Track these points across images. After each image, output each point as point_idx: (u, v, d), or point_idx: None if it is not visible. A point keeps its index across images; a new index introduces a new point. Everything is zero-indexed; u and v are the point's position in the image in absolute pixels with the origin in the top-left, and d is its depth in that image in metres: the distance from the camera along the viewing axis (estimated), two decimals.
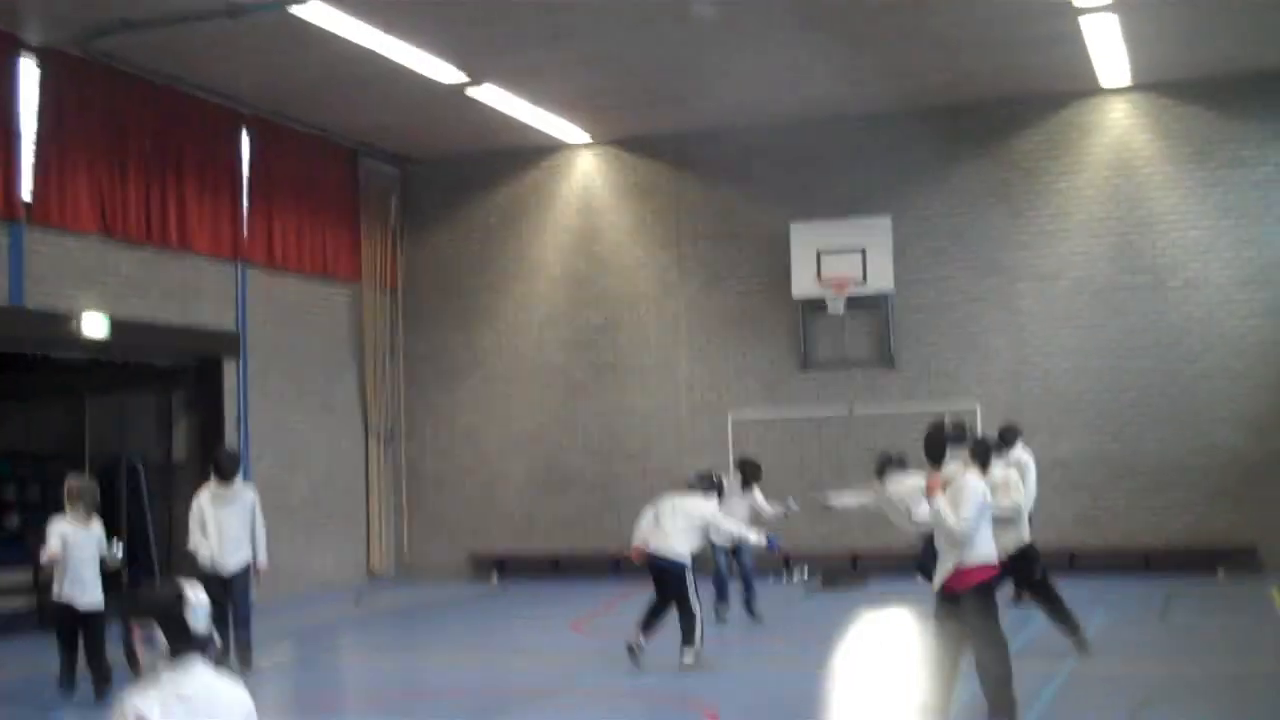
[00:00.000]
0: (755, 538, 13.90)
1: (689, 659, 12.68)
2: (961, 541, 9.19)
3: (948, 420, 13.69)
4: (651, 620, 12.92)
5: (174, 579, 4.86)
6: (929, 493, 9.47)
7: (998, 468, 12.57)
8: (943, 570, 9.34)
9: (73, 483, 12.38)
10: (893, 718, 10.81)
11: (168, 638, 4.62)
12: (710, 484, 13.58)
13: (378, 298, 23.45)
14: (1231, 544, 19.95)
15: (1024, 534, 12.98)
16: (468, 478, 23.28)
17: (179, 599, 4.70)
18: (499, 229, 23.78)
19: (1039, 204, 21.37)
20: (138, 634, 4.64)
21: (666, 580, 12.91)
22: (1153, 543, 20.36)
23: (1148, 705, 10.58)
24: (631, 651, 12.68)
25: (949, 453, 9.78)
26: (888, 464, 14.80)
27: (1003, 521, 11.63)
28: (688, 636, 12.73)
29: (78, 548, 12.07)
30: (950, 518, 9.16)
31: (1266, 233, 20.44)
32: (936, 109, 21.43)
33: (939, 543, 9.47)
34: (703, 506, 13.25)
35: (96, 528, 12.33)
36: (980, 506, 9.27)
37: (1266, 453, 20.09)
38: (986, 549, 9.39)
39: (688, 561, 12.90)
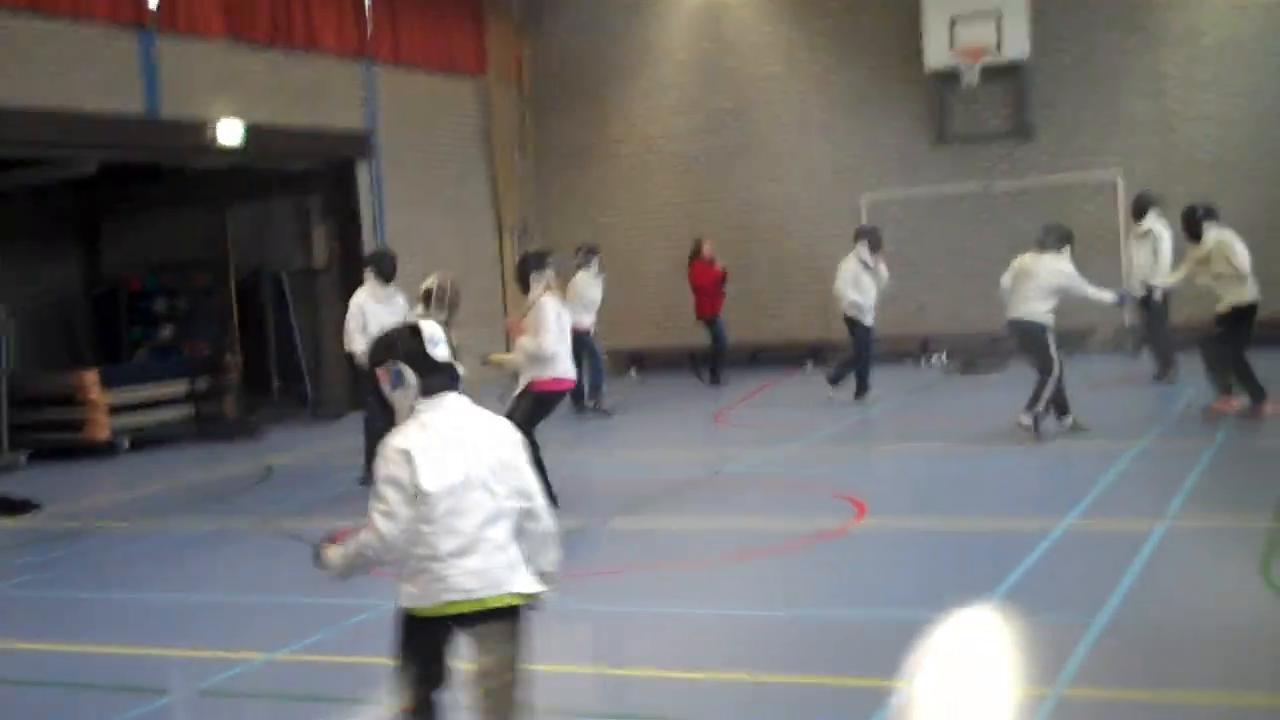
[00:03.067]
0: (1110, 297, 13.53)
1: (1025, 420, 12.85)
2: None
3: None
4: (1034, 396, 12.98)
5: (405, 323, 4.88)
6: None
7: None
8: None
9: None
10: (1034, 508, 10.86)
11: (416, 373, 4.67)
12: (1060, 238, 13.25)
13: (505, 91, 23.37)
14: None
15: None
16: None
17: (415, 333, 4.73)
18: (623, 14, 23.45)
19: None
20: (386, 379, 4.70)
21: (1026, 343, 13.06)
22: None
23: None
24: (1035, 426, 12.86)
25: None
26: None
27: None
28: (1032, 400, 12.86)
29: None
30: None
31: None
32: None
33: None
34: (1053, 266, 13.08)
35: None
36: None
37: None
38: None
39: (1046, 322, 12.94)
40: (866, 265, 16.53)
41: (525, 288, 11.55)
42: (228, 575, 10.21)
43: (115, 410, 17.63)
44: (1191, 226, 13.71)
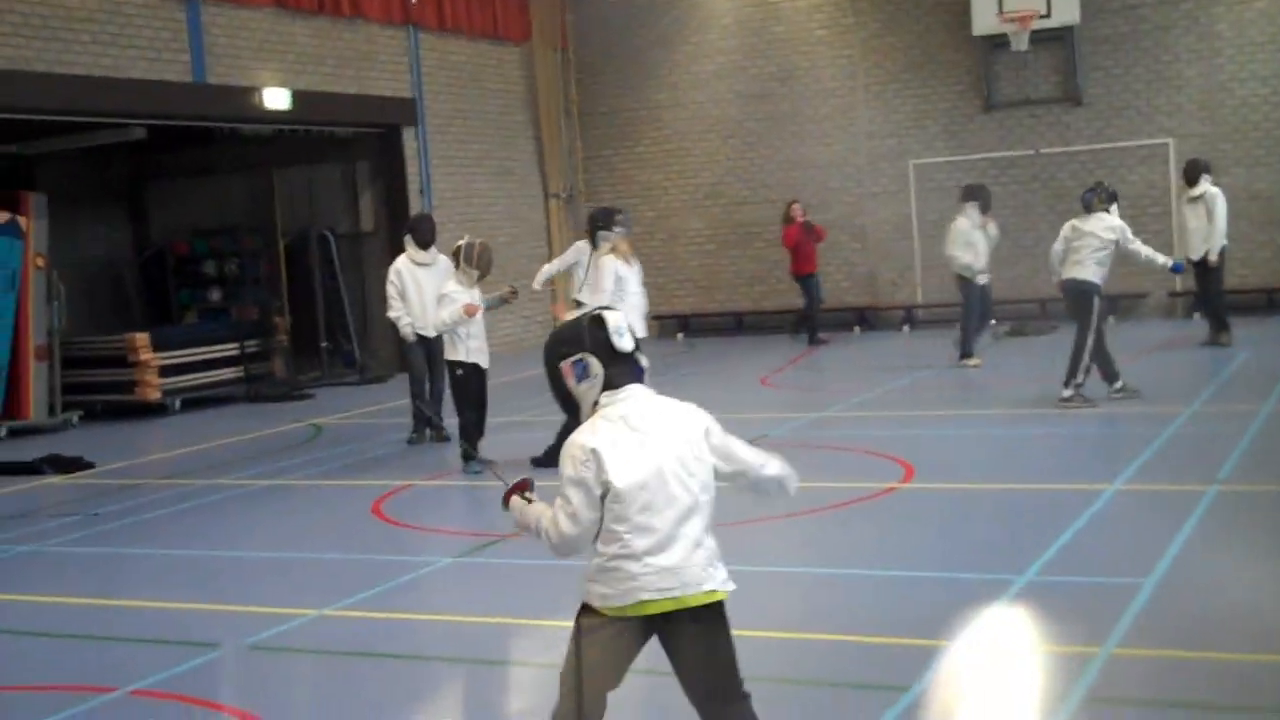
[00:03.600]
0: (1165, 261, 13.32)
1: (1066, 393, 12.80)
2: None
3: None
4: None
5: (588, 313, 4.61)
6: None
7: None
8: None
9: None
10: (1084, 472, 10.80)
11: (601, 365, 4.45)
12: (1108, 196, 13.10)
13: (549, 57, 23.34)
14: None
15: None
16: (648, 237, 23.32)
17: (600, 324, 4.49)
18: None
19: None
20: (570, 372, 4.49)
21: (1075, 305, 12.97)
22: None
23: None
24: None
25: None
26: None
27: None
28: (1070, 373, 12.81)
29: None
30: None
31: None
32: None
33: None
34: (1106, 223, 12.95)
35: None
36: None
37: None
38: None
39: (1097, 283, 12.78)
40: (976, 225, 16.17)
41: (594, 245, 11.86)
42: (277, 531, 10.28)
43: (166, 371, 17.78)
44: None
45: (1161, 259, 13.32)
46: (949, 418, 13.32)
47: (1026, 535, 8.32)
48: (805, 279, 20.29)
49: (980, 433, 12.38)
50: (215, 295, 21.05)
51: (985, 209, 16.34)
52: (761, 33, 22.86)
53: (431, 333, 13.00)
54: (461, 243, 11.94)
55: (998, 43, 20.87)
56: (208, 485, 12.14)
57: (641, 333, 10.82)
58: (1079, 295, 12.93)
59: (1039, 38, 20.55)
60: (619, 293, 11.37)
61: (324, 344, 20.00)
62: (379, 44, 20.06)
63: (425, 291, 13.30)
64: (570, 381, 4.51)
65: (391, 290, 13.51)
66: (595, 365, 4.45)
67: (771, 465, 4.75)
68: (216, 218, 21.17)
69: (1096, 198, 13.14)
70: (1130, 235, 13.05)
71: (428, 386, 13.63)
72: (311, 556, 9.27)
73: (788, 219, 20.29)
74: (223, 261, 20.96)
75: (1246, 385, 13.52)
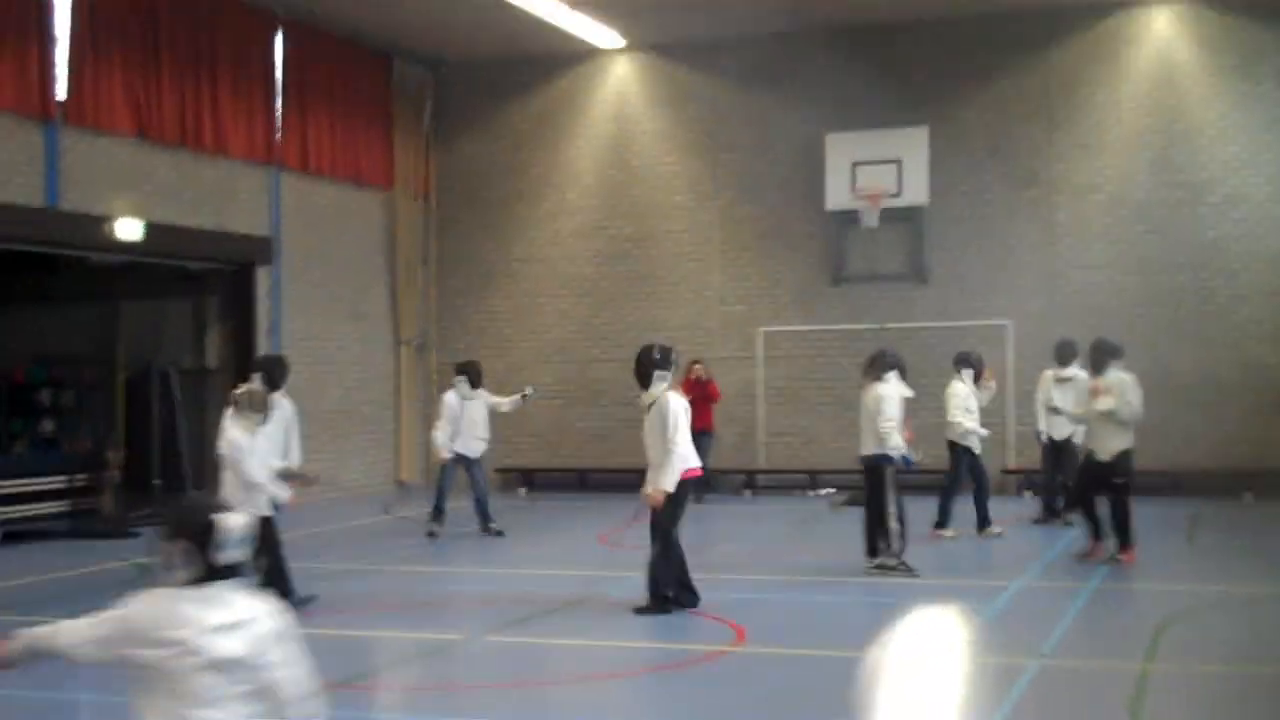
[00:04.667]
0: (894, 445, 13.11)
1: (870, 566, 13.04)
2: None
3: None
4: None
5: (210, 500, 4.69)
6: None
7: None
8: None
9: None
10: (909, 639, 10.87)
11: (199, 564, 4.44)
12: (884, 367, 13.23)
13: (410, 204, 23.47)
14: (1261, 466, 19.91)
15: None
16: (497, 390, 23.22)
17: (212, 529, 4.47)
18: (532, 136, 23.70)
19: (1077, 116, 21.16)
20: (168, 555, 4.48)
21: (869, 480, 13.22)
22: (1181, 463, 20.31)
23: (1173, 622, 10.64)
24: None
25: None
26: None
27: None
28: (871, 548, 13.08)
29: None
30: None
31: None
32: (974, 18, 21.22)
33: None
34: (873, 393, 13.16)
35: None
36: None
37: None
38: None
39: (876, 456, 13.01)
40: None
41: (645, 384, 11.62)
42: (87, 674, 9.89)
43: None
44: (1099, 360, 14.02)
45: (894, 442, 13.03)
46: (788, 583, 13.38)
47: (845, 701, 8.32)
48: (695, 436, 20.22)
49: (815, 599, 12.44)
50: (48, 426, 20.51)
51: (978, 376, 16.44)
52: (622, 194, 23.24)
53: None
54: (240, 390, 11.77)
55: (849, 218, 21.46)
56: (16, 621, 11.67)
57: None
58: (868, 470, 13.21)
59: (889, 216, 21.19)
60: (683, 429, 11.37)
61: (156, 481, 19.53)
62: (240, 181, 19.98)
63: (272, 436, 13.00)
64: (164, 560, 4.49)
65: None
66: (192, 563, 4.45)
67: (314, 704, 4.65)
68: (58, 346, 20.71)
69: (872, 368, 13.35)
70: (887, 409, 12.93)
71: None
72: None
73: (685, 374, 20.33)
74: (59, 391, 20.47)
75: (1074, 563, 13.79)
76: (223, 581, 4.49)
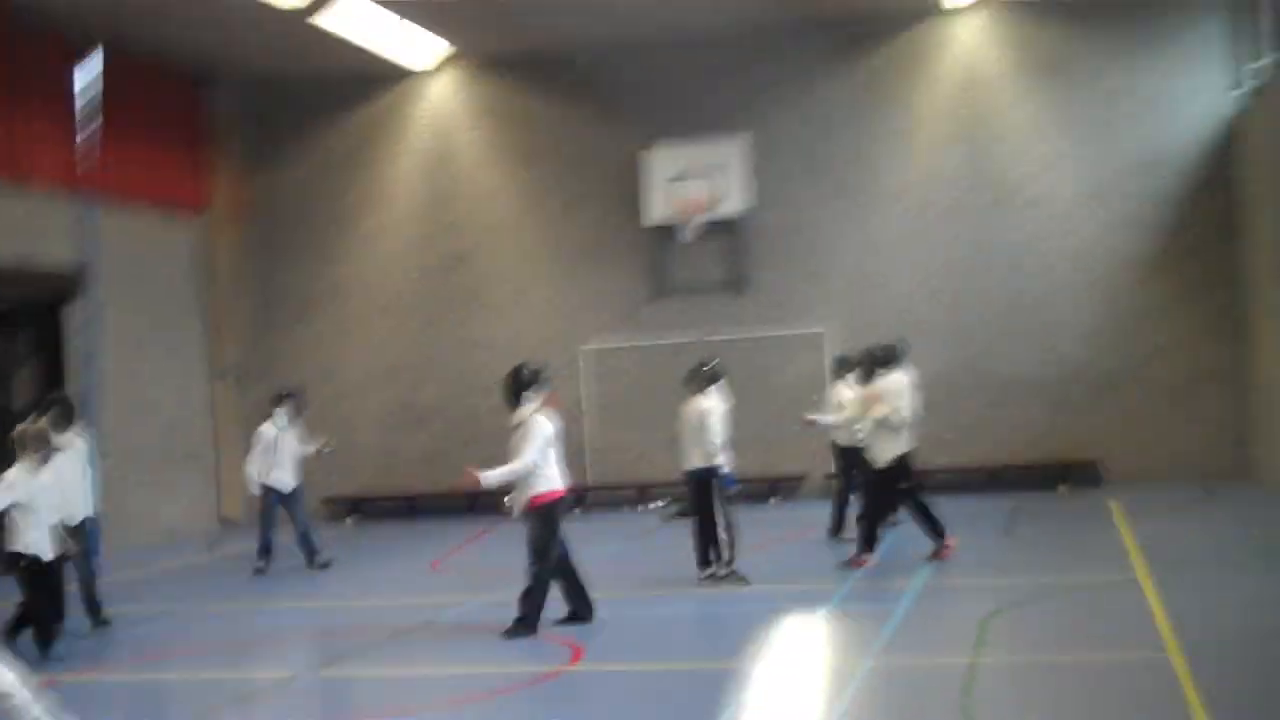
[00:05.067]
0: (719, 462, 13.19)
1: (703, 576, 13.22)
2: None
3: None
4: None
5: None
6: None
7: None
8: None
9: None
10: (739, 650, 10.97)
11: None
12: (704, 379, 13.45)
13: (228, 230, 22.96)
14: (1074, 458, 20.51)
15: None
16: (323, 418, 22.87)
17: None
18: (352, 156, 23.41)
19: (889, 122, 21.61)
20: None
21: (692, 493, 13.41)
22: (998, 459, 20.83)
23: (996, 614, 10.87)
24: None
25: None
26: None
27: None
28: (702, 559, 13.30)
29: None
30: None
31: (1109, 149, 20.88)
32: (789, 26, 21.48)
33: None
34: (693, 407, 13.34)
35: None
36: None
37: (1108, 367, 20.70)
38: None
39: (705, 469, 13.16)
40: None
41: (515, 404, 11.46)
42: None
43: None
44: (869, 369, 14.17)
45: (720, 459, 13.16)
46: (621, 598, 13.35)
47: (685, 714, 8.34)
48: None
49: (653, 613, 12.44)
50: None
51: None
52: (444, 212, 23.05)
53: (75, 519, 12.39)
54: (16, 429, 11.47)
55: (669, 231, 21.59)
56: None
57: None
58: (693, 483, 13.31)
59: (709, 228, 21.37)
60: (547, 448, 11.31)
61: None
62: (44, 212, 19.25)
63: (66, 476, 12.55)
64: None
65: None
66: None
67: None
68: None
69: (692, 382, 13.44)
70: (711, 422, 13.07)
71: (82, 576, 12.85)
72: None
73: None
74: None
75: (903, 558, 14.03)
76: None
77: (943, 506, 14.19)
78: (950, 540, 13.85)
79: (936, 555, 13.76)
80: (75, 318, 19.70)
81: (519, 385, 11.52)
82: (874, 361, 14.10)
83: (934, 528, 13.89)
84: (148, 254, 21.41)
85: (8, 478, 10.99)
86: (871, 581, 13.12)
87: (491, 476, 11.17)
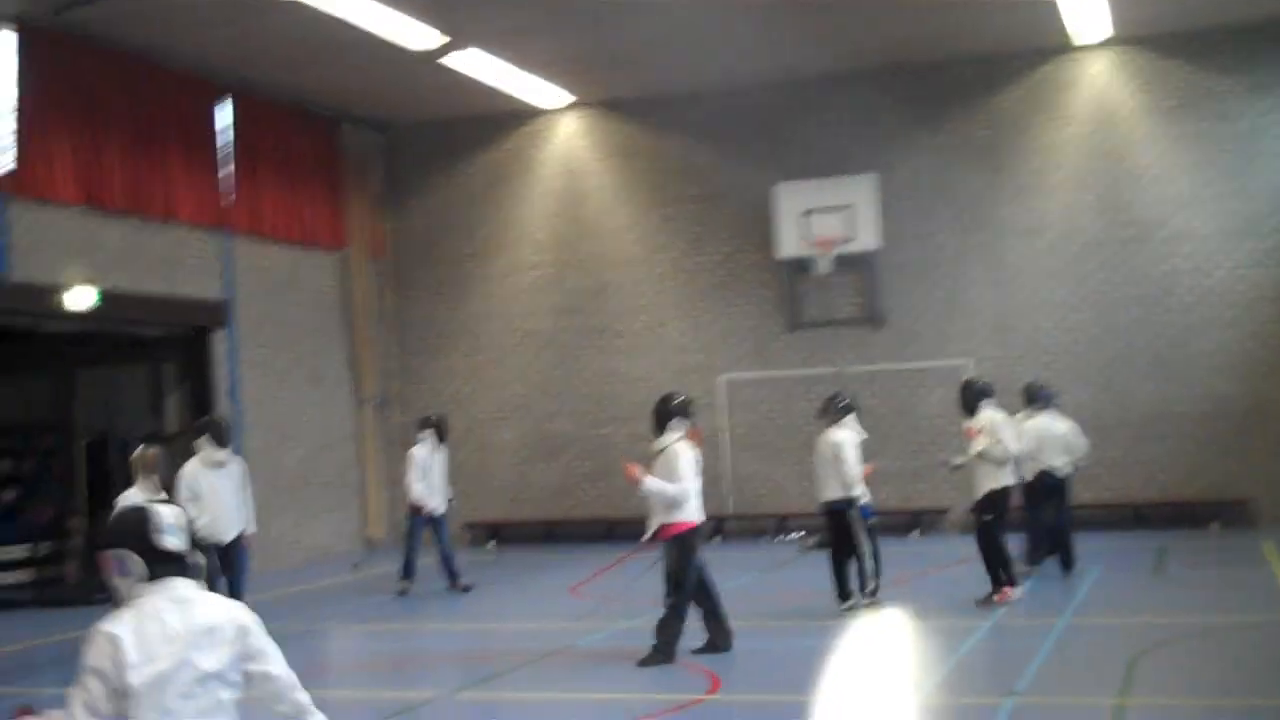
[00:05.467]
0: (858, 493, 13.16)
1: (844, 607, 13.10)
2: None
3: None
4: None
5: (138, 505, 4.64)
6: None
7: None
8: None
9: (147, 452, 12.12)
10: (884, 682, 10.85)
11: (142, 560, 4.43)
12: (839, 410, 13.40)
13: (364, 266, 23.34)
14: (1225, 497, 20.00)
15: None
16: (460, 446, 23.09)
17: (144, 518, 4.48)
18: (483, 195, 23.66)
19: (1022, 160, 21.32)
20: (110, 564, 4.46)
21: (831, 525, 13.38)
22: (1146, 496, 20.39)
23: (1145, 654, 10.60)
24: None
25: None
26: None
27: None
28: (843, 590, 13.22)
29: None
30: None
31: (1250, 184, 20.42)
32: (916, 67, 21.41)
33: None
34: (828, 439, 13.32)
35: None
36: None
37: (1257, 402, 20.14)
38: None
39: (844, 500, 13.12)
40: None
41: (660, 431, 11.63)
42: None
43: None
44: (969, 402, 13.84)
45: (857, 491, 13.11)
46: (762, 629, 13.27)
47: None
48: None
49: (791, 645, 12.34)
50: (9, 495, 20.23)
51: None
52: (575, 249, 23.20)
53: (227, 538, 12.75)
54: (135, 455, 11.91)
55: (802, 266, 21.48)
56: None
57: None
58: (829, 515, 13.25)
59: (841, 262, 21.22)
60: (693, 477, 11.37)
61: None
62: (190, 247, 19.77)
63: (221, 494, 12.94)
64: (108, 575, 4.48)
65: (183, 493, 12.99)
66: (135, 562, 4.43)
67: (304, 695, 4.78)
68: (13, 415, 20.47)
69: (826, 413, 13.39)
70: (845, 454, 13.03)
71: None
72: None
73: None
74: (19, 460, 20.22)
75: (1049, 599, 13.76)
76: (174, 577, 4.45)
77: (1088, 543, 13.90)
78: (1010, 590, 13.40)
79: (988, 600, 13.34)
80: (220, 346, 20.15)
81: (666, 412, 11.62)
82: (973, 394, 13.81)
83: (998, 570, 13.45)
84: (290, 286, 21.82)
85: (129, 494, 11.35)
86: (1016, 618, 12.87)
87: (651, 483, 11.20)
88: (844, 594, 13.15)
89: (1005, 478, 13.50)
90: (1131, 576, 15.15)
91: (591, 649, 12.35)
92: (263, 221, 21.05)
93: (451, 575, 16.55)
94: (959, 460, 14.22)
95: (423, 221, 23.93)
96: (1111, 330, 20.80)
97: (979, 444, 13.44)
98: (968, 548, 15.98)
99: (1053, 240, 21.14)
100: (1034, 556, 15.48)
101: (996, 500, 13.45)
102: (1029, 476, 15.28)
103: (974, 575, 15.35)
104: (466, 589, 16.50)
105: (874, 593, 13.03)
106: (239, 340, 20.48)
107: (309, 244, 22.25)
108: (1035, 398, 16.01)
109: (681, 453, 11.35)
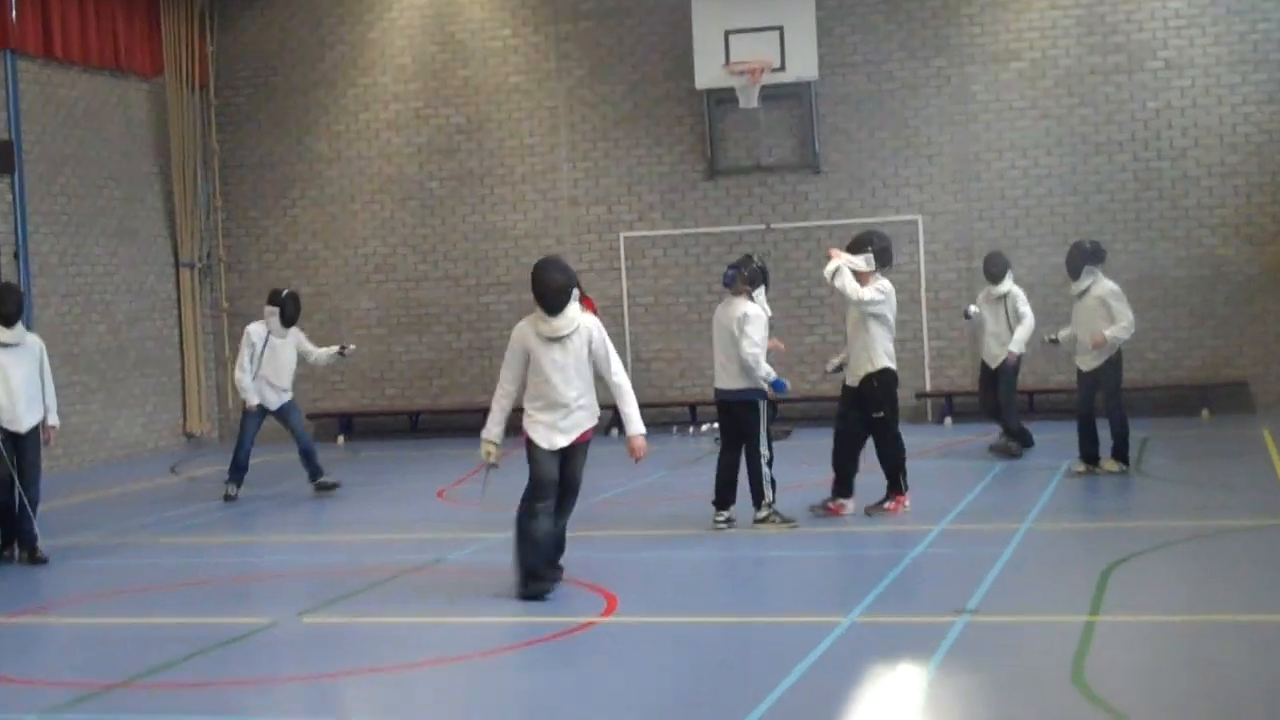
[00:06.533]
0: (765, 372, 13.03)
1: (759, 516, 13.20)
2: None
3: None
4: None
5: None
6: None
7: None
8: None
9: None
10: (811, 601, 11.02)
11: None
12: (748, 278, 13.25)
13: (185, 96, 22.95)
14: (1219, 378, 20.38)
15: None
16: (304, 318, 22.90)
17: None
18: (332, 9, 23.29)
19: None
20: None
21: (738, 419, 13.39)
22: (1127, 378, 20.63)
23: (1120, 565, 10.83)
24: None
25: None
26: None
27: None
28: (756, 496, 13.29)
29: None
30: None
31: (1264, 3, 20.54)
32: None
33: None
34: (733, 313, 13.24)
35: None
36: None
37: (1262, 266, 20.45)
38: None
39: (751, 389, 13.15)
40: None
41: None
42: None
43: None
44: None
45: (763, 370, 13.03)
46: (662, 538, 13.39)
47: (742, 679, 8.36)
48: None
49: (696, 556, 12.47)
50: None
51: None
52: (446, 77, 22.96)
53: (22, 428, 12.68)
54: None
55: (725, 98, 21.41)
56: None
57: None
58: (733, 406, 13.29)
59: (772, 94, 21.16)
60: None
61: None
62: None
63: (12, 379, 12.83)
64: None
65: None
66: None
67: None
68: None
69: (739, 276, 13.19)
70: (753, 332, 12.90)
71: (16, 496, 13.00)
72: None
73: None
74: None
75: (1005, 502, 14.00)
76: None
77: (1058, 433, 14.12)
78: (905, 498, 13.68)
79: (877, 507, 13.59)
80: (4, 196, 19.77)
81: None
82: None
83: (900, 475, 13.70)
84: (93, 123, 21.53)
85: None
86: (970, 524, 13.09)
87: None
88: (758, 499, 13.22)
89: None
90: (1107, 475, 15.41)
91: (464, 564, 12.41)
92: (56, 42, 20.59)
93: (313, 471, 16.55)
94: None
95: (257, 42, 23.53)
96: (1091, 179, 21.00)
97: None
98: (920, 438, 16.26)
99: (1023, 69, 21.21)
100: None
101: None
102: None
103: (939, 468, 15.60)
104: (331, 487, 16.52)
105: (771, 502, 13.08)
106: (28, 188, 20.10)
107: (116, 70, 21.86)
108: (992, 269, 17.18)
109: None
